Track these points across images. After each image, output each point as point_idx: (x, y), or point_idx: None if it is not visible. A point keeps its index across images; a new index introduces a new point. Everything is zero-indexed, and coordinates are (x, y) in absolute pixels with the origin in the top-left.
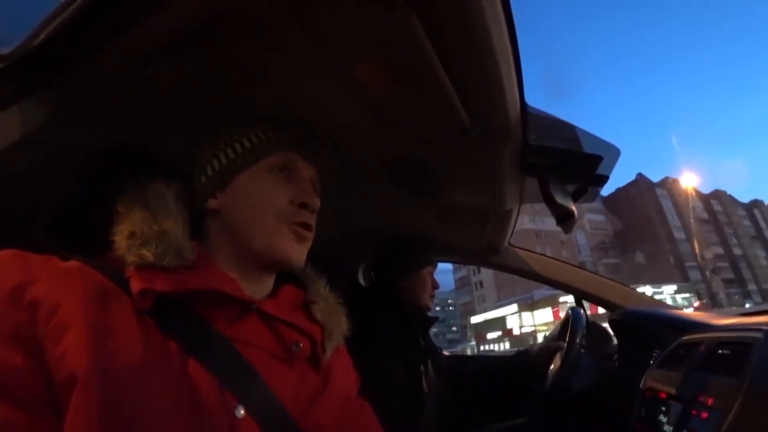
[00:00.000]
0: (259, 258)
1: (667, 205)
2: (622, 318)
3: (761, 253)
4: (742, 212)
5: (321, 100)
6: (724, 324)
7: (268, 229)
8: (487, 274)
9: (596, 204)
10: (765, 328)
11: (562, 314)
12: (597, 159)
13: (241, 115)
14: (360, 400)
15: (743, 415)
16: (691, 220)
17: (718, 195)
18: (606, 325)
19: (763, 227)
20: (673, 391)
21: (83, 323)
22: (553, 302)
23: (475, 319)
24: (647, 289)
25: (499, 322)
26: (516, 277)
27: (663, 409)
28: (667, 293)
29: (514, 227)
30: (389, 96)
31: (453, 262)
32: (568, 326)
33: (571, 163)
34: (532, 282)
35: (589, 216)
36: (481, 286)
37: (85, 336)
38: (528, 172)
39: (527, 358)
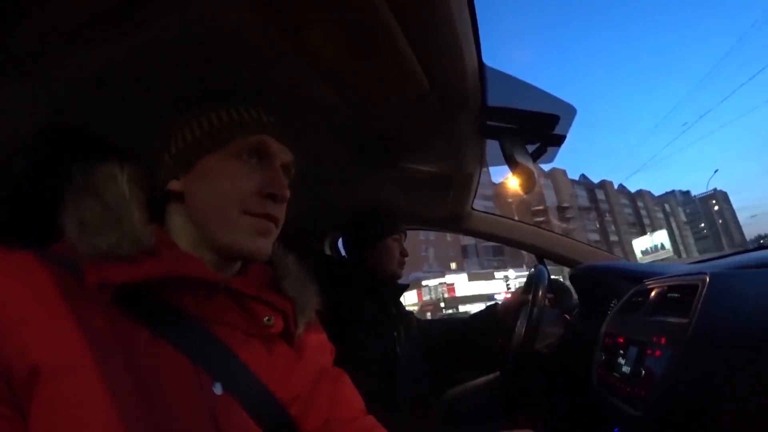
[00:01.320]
0: (222, 250)
1: (549, 194)
2: (581, 273)
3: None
4: (625, 201)
5: (275, 70)
6: (675, 270)
7: (230, 222)
8: None
9: (487, 191)
10: (710, 269)
11: (424, 297)
12: (554, 118)
13: (192, 93)
14: (337, 370)
15: (691, 349)
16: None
17: (603, 185)
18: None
19: (644, 215)
20: (629, 335)
21: (40, 315)
22: (417, 285)
23: None
24: (510, 273)
25: None
26: (421, 256)
27: (621, 352)
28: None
29: (476, 190)
30: (346, 63)
31: (418, 228)
32: (531, 284)
33: (529, 123)
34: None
35: (479, 203)
36: None
37: (43, 328)
38: (487, 135)
39: (493, 315)
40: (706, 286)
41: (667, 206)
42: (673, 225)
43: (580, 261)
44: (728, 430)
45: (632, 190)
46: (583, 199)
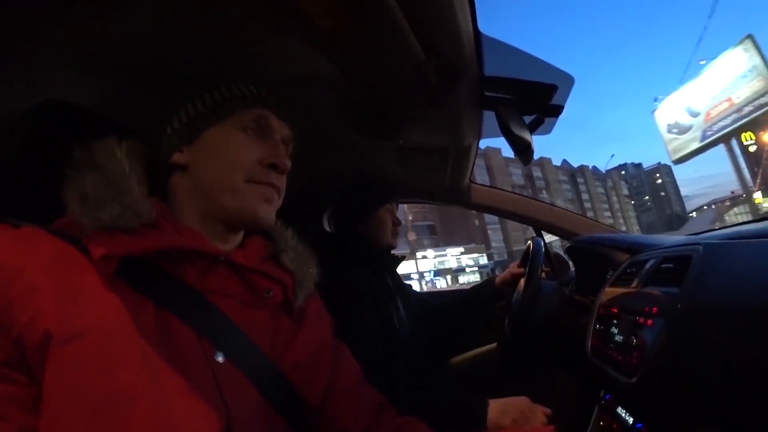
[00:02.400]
0: (228, 217)
1: (481, 173)
2: (577, 245)
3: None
4: (564, 177)
5: (270, 42)
6: (670, 242)
7: (236, 189)
8: None
9: None
10: (703, 241)
11: None
12: (552, 88)
13: (189, 69)
14: (336, 341)
15: (683, 319)
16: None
17: (541, 163)
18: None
19: (582, 190)
20: (623, 305)
21: (49, 285)
22: None
23: None
24: (429, 253)
25: None
26: None
27: (615, 322)
28: (452, 254)
29: (474, 162)
30: (341, 33)
31: (417, 202)
32: (528, 256)
33: (527, 94)
34: None
35: None
36: None
37: (52, 296)
38: (485, 105)
39: (491, 288)
40: (699, 256)
41: (609, 181)
42: (614, 199)
43: (577, 233)
44: (716, 399)
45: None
46: (518, 177)
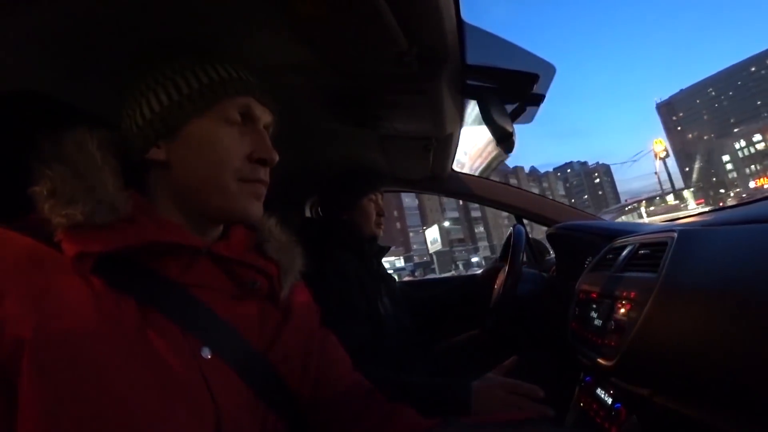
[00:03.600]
0: (215, 214)
1: None
2: (557, 232)
3: (503, 213)
4: (495, 179)
5: (249, 29)
6: (647, 229)
7: (226, 190)
8: None
9: None
10: (678, 227)
11: None
12: (534, 77)
13: (158, 51)
14: (324, 329)
15: (658, 303)
16: None
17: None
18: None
19: None
20: (602, 290)
21: (19, 287)
22: None
23: None
24: None
25: None
26: None
27: (594, 306)
28: None
29: (456, 151)
30: (323, 21)
31: (400, 191)
32: (510, 243)
33: (509, 82)
34: None
35: None
36: None
37: (23, 299)
38: (468, 94)
39: (475, 283)
40: (674, 242)
41: (545, 182)
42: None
43: (557, 220)
44: (691, 379)
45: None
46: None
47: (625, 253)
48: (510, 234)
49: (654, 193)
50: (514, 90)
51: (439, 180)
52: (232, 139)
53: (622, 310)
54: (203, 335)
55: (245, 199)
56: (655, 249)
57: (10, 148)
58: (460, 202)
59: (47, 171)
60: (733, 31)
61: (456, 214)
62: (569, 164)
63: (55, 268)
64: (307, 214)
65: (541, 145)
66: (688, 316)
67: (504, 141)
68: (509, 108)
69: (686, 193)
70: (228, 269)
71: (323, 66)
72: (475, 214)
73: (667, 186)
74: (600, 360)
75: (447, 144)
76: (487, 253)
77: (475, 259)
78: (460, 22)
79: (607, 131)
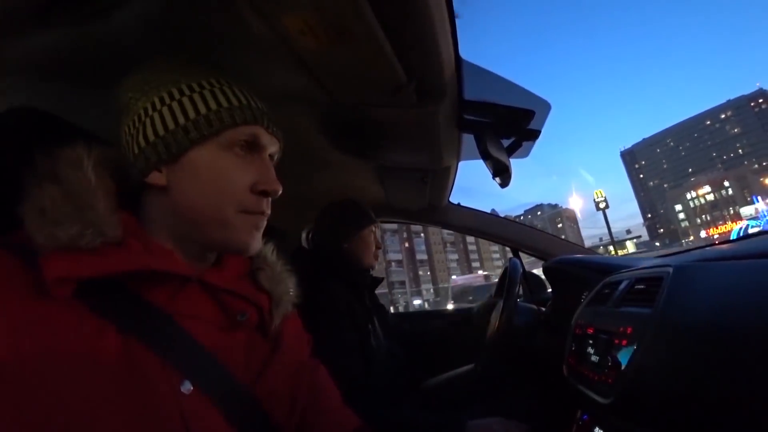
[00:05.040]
0: (212, 245)
1: None
2: (554, 265)
3: (453, 256)
4: None
5: (251, 58)
6: (643, 264)
7: (226, 221)
8: None
9: None
10: (674, 263)
11: None
12: (529, 113)
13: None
14: (314, 361)
15: (655, 339)
16: None
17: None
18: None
19: (471, 240)
20: (598, 325)
21: None
22: None
23: None
24: None
25: None
26: None
27: (590, 342)
28: None
29: (453, 184)
30: (324, 52)
31: (396, 222)
32: (506, 277)
33: (505, 118)
34: None
35: None
36: None
37: None
38: (464, 128)
39: (470, 317)
40: (669, 277)
41: None
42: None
43: (554, 254)
44: (690, 417)
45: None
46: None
47: (621, 287)
48: (506, 268)
49: (597, 243)
50: (510, 125)
51: (435, 212)
52: (236, 169)
53: (619, 347)
54: (185, 367)
55: (245, 232)
56: (651, 284)
57: (5, 164)
58: (406, 244)
59: (38, 188)
60: (693, 83)
61: (399, 257)
62: (539, 206)
63: (34, 290)
64: (304, 243)
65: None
66: (683, 353)
67: (500, 175)
68: (506, 143)
69: (629, 244)
70: (217, 299)
71: (322, 95)
72: (421, 257)
73: (618, 235)
74: (596, 397)
75: (444, 176)
76: (431, 296)
77: (417, 302)
78: (458, 58)
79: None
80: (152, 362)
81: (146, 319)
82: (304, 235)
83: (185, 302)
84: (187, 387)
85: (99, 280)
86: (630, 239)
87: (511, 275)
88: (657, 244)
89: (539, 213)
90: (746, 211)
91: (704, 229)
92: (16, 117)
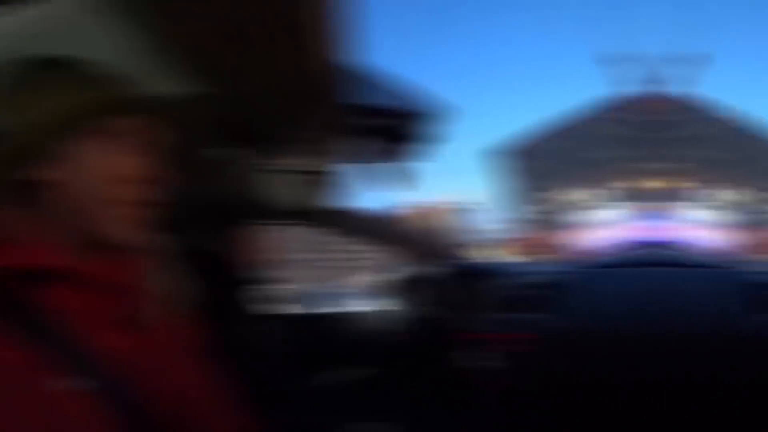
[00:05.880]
0: (95, 238)
1: None
2: (449, 271)
3: None
4: None
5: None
6: (542, 270)
7: (103, 213)
8: None
9: None
10: (573, 269)
11: None
12: (420, 116)
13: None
14: (207, 360)
15: (550, 342)
16: None
17: None
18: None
19: None
20: (493, 330)
21: None
22: None
23: None
24: None
25: None
26: None
27: (485, 346)
28: None
29: (341, 187)
30: (213, 54)
31: (278, 224)
32: (396, 285)
33: (392, 120)
34: None
35: None
36: None
37: None
38: (351, 131)
39: (357, 324)
40: (567, 284)
41: None
42: None
43: (444, 258)
44: (583, 416)
45: None
46: None
47: (519, 293)
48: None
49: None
50: (399, 129)
51: (318, 214)
52: (110, 158)
53: (514, 350)
54: (73, 366)
55: (124, 224)
56: (546, 290)
57: None
58: None
59: None
60: None
61: None
62: None
63: None
64: (195, 243)
65: None
66: (580, 356)
67: (384, 181)
68: (394, 145)
69: None
70: (108, 295)
71: (209, 95)
72: None
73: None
74: (489, 398)
75: (328, 179)
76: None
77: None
78: (346, 61)
79: None
80: (33, 363)
81: (30, 318)
82: (194, 237)
83: (71, 299)
84: (71, 386)
85: None
86: None
87: (396, 280)
88: None
89: None
90: None
91: None
92: None
